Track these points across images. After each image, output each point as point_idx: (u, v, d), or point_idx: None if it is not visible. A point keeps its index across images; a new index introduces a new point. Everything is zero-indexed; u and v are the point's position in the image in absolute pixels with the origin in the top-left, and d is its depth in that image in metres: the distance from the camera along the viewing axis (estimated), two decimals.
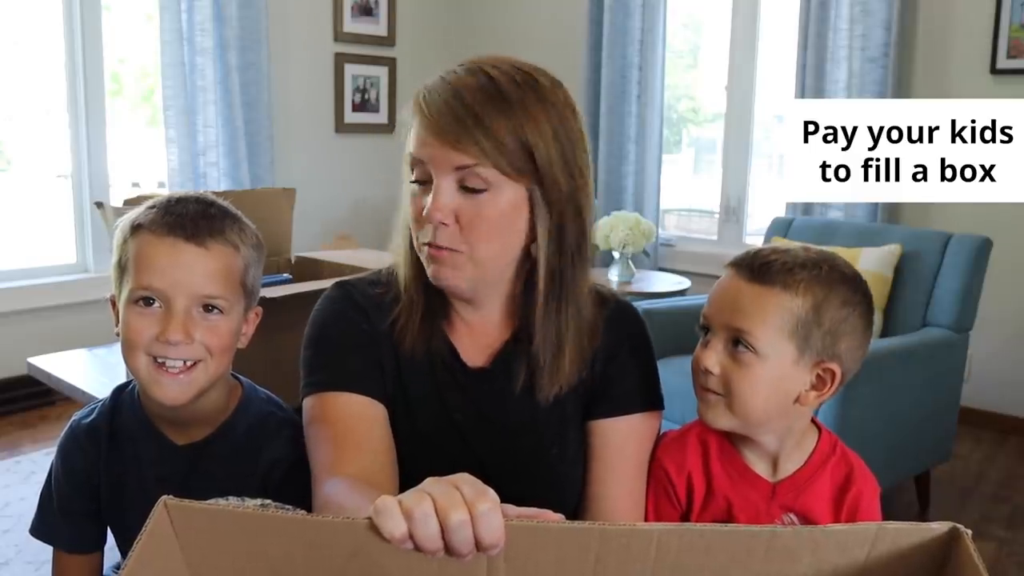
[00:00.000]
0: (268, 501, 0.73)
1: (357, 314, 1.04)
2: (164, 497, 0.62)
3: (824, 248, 1.02)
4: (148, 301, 0.97)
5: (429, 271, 0.98)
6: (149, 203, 1.02)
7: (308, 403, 1.00)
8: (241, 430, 1.07)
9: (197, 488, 1.04)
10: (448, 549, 0.61)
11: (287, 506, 0.67)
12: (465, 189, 0.94)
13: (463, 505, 0.61)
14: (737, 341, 0.96)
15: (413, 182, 0.97)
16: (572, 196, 0.97)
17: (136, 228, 0.99)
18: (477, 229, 0.94)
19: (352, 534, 0.61)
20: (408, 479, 0.95)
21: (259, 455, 1.06)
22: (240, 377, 1.13)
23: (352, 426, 0.97)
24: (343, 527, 0.62)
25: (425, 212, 0.94)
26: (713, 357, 0.97)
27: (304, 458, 1.03)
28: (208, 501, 0.64)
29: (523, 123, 0.94)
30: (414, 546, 0.61)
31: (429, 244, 0.96)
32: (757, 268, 0.96)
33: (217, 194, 1.08)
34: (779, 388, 0.96)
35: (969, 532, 0.60)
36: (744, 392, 0.96)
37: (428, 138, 0.94)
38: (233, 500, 0.68)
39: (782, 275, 0.95)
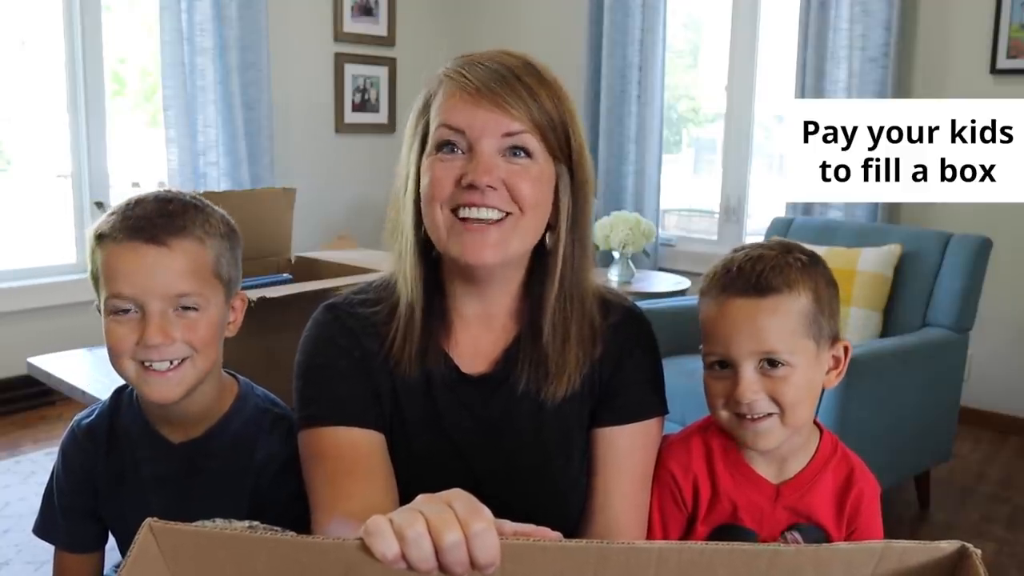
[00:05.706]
0: (256, 523, 0.72)
1: (348, 340, 1.00)
2: (148, 520, 0.61)
3: (817, 247, 1.03)
4: (124, 310, 0.97)
5: (456, 247, 0.93)
6: (111, 210, 1.01)
7: (303, 438, 0.98)
8: (236, 427, 1.07)
9: (194, 485, 1.05)
10: (442, 568, 0.59)
11: (275, 527, 0.66)
12: (509, 155, 0.92)
13: (456, 524, 0.59)
14: (769, 362, 0.95)
15: (441, 148, 0.93)
16: (591, 185, 0.98)
17: (100, 238, 0.99)
18: (524, 192, 0.92)
19: (342, 555, 0.60)
20: (406, 502, 0.93)
21: (254, 451, 1.06)
22: (237, 375, 1.13)
23: (350, 459, 0.94)
24: (332, 548, 0.60)
25: (469, 179, 0.91)
26: (751, 388, 0.95)
27: (297, 455, 1.03)
28: (195, 523, 0.63)
29: (561, 102, 0.94)
30: (407, 566, 0.59)
31: (465, 219, 0.92)
32: (755, 282, 0.95)
33: (217, 194, 1.08)
34: (814, 385, 0.98)
35: (979, 552, 0.59)
36: (794, 403, 0.96)
37: (470, 103, 0.91)
38: (220, 522, 0.68)
39: (781, 277, 0.95)
